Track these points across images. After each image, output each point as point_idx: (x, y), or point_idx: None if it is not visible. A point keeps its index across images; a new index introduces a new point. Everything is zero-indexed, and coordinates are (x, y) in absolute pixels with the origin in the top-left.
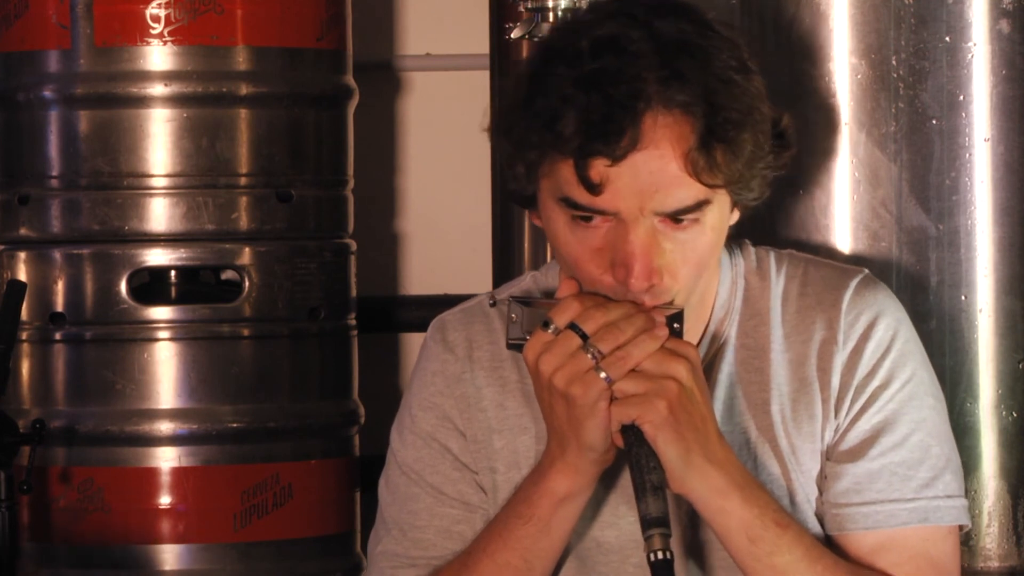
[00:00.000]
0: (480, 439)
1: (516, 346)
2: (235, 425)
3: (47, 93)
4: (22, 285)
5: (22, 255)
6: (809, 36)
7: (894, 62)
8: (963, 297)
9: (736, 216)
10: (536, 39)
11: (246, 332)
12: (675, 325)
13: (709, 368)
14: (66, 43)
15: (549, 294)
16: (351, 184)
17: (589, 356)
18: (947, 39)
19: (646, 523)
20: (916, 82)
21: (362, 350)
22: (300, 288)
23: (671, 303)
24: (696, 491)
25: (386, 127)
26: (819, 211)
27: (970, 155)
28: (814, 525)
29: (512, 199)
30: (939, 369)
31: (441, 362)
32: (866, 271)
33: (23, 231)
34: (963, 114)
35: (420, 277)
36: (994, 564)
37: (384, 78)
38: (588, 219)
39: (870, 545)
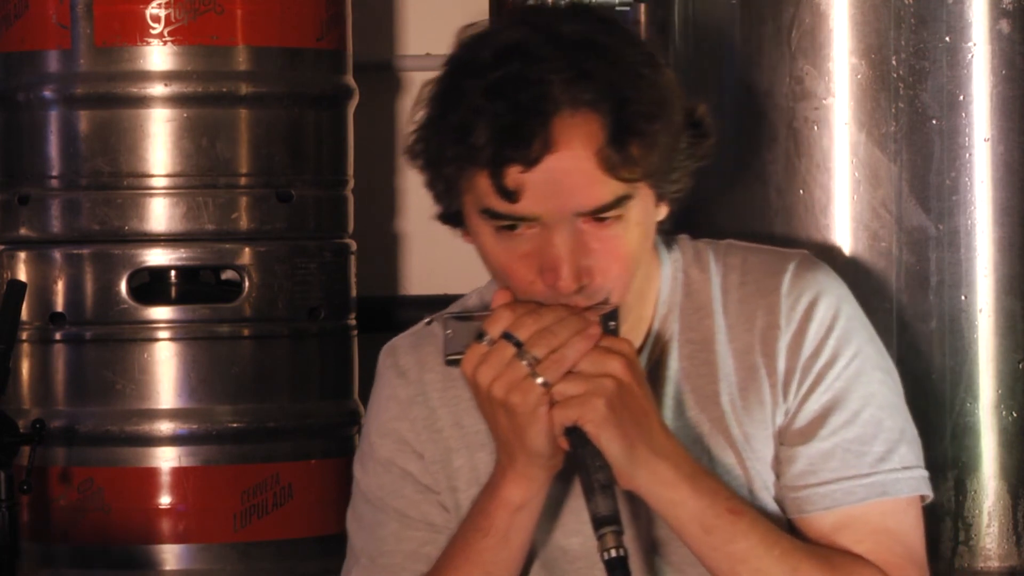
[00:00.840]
0: (439, 459)
1: (454, 362)
2: (235, 425)
3: (47, 93)
4: (22, 285)
5: (22, 255)
6: (809, 36)
7: (894, 62)
8: (963, 297)
9: (665, 210)
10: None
11: (246, 332)
12: (610, 323)
13: (656, 366)
14: (66, 43)
15: (486, 307)
16: (351, 184)
17: (524, 363)
18: (947, 39)
19: (597, 522)
20: (916, 82)
21: (362, 350)
22: (300, 288)
23: (606, 302)
24: (645, 485)
25: (386, 127)
26: (819, 211)
27: (970, 155)
28: (774, 510)
29: (441, 220)
30: (939, 369)
31: (394, 387)
32: (805, 252)
33: (23, 231)
34: (963, 114)
35: (420, 277)
36: (994, 564)
37: (384, 78)
38: (512, 228)
39: (830, 524)
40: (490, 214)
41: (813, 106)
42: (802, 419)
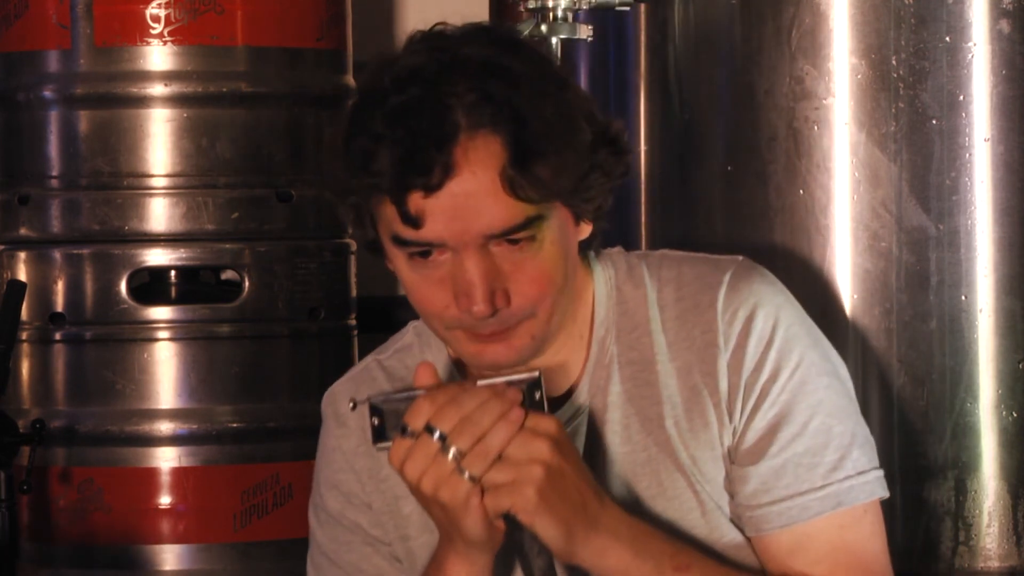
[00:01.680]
0: (387, 509)
1: (384, 450)
2: (235, 425)
3: (47, 93)
4: (22, 285)
5: (22, 255)
6: (809, 36)
7: (894, 62)
8: (963, 297)
9: (588, 228)
10: (536, 39)
11: (246, 332)
12: (535, 395)
13: (600, 391)
14: (66, 43)
15: (409, 388)
16: None
17: (450, 458)
18: (947, 39)
19: None
20: (916, 82)
21: (362, 350)
22: (300, 288)
23: (533, 370)
24: (587, 560)
25: None
26: (819, 211)
27: (970, 155)
28: (728, 531)
29: (364, 248)
30: (939, 369)
31: (336, 437)
32: (740, 259)
33: (23, 231)
34: (963, 114)
35: None
36: (994, 564)
37: None
38: (426, 254)
39: (787, 546)
40: (399, 241)
41: (813, 106)
42: (750, 438)
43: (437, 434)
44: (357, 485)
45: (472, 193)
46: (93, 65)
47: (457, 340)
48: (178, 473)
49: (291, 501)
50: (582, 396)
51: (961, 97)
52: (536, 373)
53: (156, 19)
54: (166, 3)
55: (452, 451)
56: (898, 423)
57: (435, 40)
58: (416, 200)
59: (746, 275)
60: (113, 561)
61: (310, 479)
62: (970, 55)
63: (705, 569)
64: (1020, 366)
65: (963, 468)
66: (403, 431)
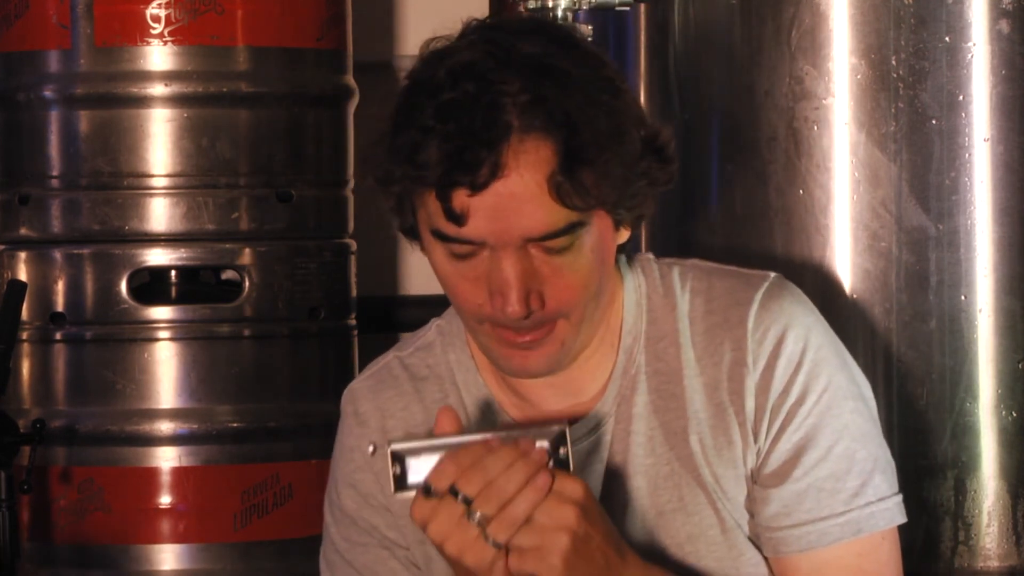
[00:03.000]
0: (404, 514)
1: (404, 500)
2: (235, 425)
3: (47, 93)
4: (22, 285)
5: (22, 255)
6: (809, 36)
7: (894, 62)
8: (963, 297)
9: (626, 234)
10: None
11: (246, 332)
12: (561, 450)
13: (625, 401)
14: (66, 43)
15: (430, 434)
16: (351, 184)
17: (475, 523)
18: (947, 39)
19: None
20: (916, 82)
21: (362, 350)
22: (300, 288)
23: (558, 423)
24: None
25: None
26: (819, 211)
27: (970, 155)
28: (746, 550)
29: (401, 232)
30: (939, 369)
31: (356, 437)
32: (772, 276)
33: (23, 231)
34: (963, 114)
35: (420, 277)
36: (994, 564)
37: (384, 78)
38: (463, 251)
39: (804, 570)
40: (439, 235)
41: (813, 106)
42: (774, 461)
43: (461, 497)
44: (375, 486)
45: (517, 195)
46: (93, 65)
47: (487, 337)
48: (178, 473)
49: (291, 501)
50: (607, 404)
51: (961, 97)
52: (563, 427)
53: (156, 19)
54: (166, 3)
55: (477, 516)
56: (898, 423)
57: (491, 33)
58: (461, 197)
59: (778, 293)
60: (113, 561)
61: (310, 479)
62: (970, 55)
63: None
64: (1020, 366)
65: (963, 468)
66: (427, 491)
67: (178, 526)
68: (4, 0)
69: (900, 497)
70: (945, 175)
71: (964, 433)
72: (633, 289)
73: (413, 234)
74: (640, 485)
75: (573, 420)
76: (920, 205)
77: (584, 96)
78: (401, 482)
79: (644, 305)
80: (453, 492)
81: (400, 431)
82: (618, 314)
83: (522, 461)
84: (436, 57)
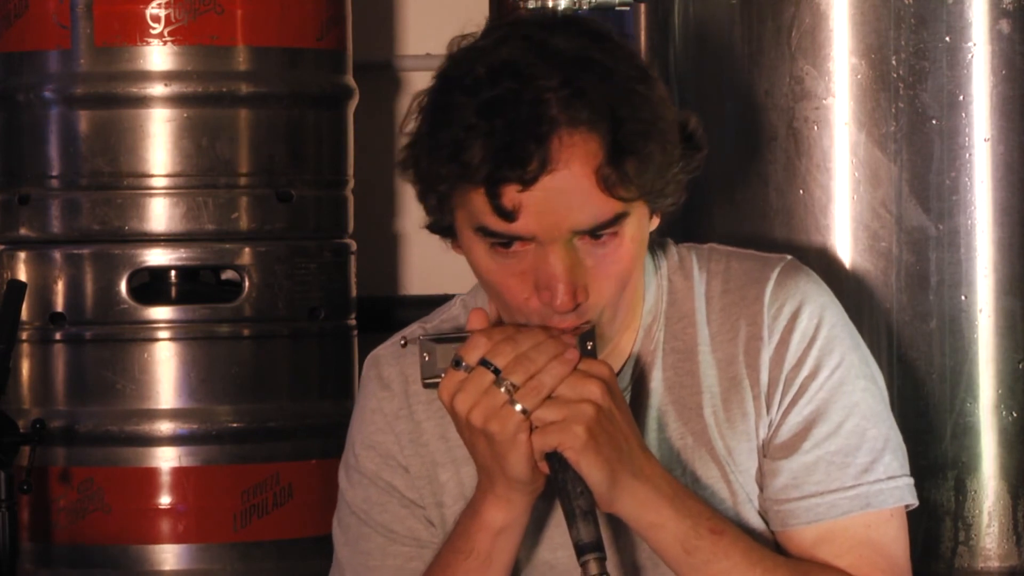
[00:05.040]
0: (424, 474)
1: (432, 385)
2: (235, 425)
3: (47, 93)
4: (22, 285)
5: (22, 255)
6: (809, 36)
7: (894, 62)
8: (963, 297)
9: (656, 222)
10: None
11: (246, 332)
12: (588, 344)
13: (642, 377)
14: (66, 43)
15: (461, 329)
16: (351, 184)
17: (503, 390)
18: (947, 39)
19: (579, 549)
20: (916, 82)
21: (362, 350)
22: (300, 288)
23: (587, 322)
24: (626, 510)
25: (386, 127)
26: (819, 211)
27: (970, 155)
28: (758, 524)
29: (432, 231)
30: (939, 369)
31: (378, 399)
32: (788, 258)
33: (23, 231)
34: (963, 114)
35: (420, 277)
36: (994, 564)
37: (384, 78)
38: (508, 245)
39: (812, 538)
40: (485, 232)
41: (813, 106)
42: (785, 432)
43: (493, 368)
44: (396, 447)
45: (566, 189)
46: (93, 65)
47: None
48: (178, 473)
49: (291, 501)
50: (624, 380)
51: (961, 97)
52: (590, 325)
53: (156, 19)
54: (166, 3)
55: (505, 384)
56: (898, 423)
57: (524, 29)
58: (510, 193)
59: (793, 273)
60: (113, 561)
61: (310, 479)
62: (970, 55)
63: (737, 536)
64: (1020, 366)
65: (963, 468)
66: (456, 364)
67: (178, 526)
68: (4, 0)
69: (911, 481)
70: (945, 175)
71: (964, 433)
72: (654, 271)
73: (448, 233)
74: None
75: None
76: (920, 205)
77: (623, 87)
78: (429, 369)
79: (665, 287)
80: (484, 364)
81: (423, 395)
82: (640, 294)
83: (551, 340)
84: (470, 55)
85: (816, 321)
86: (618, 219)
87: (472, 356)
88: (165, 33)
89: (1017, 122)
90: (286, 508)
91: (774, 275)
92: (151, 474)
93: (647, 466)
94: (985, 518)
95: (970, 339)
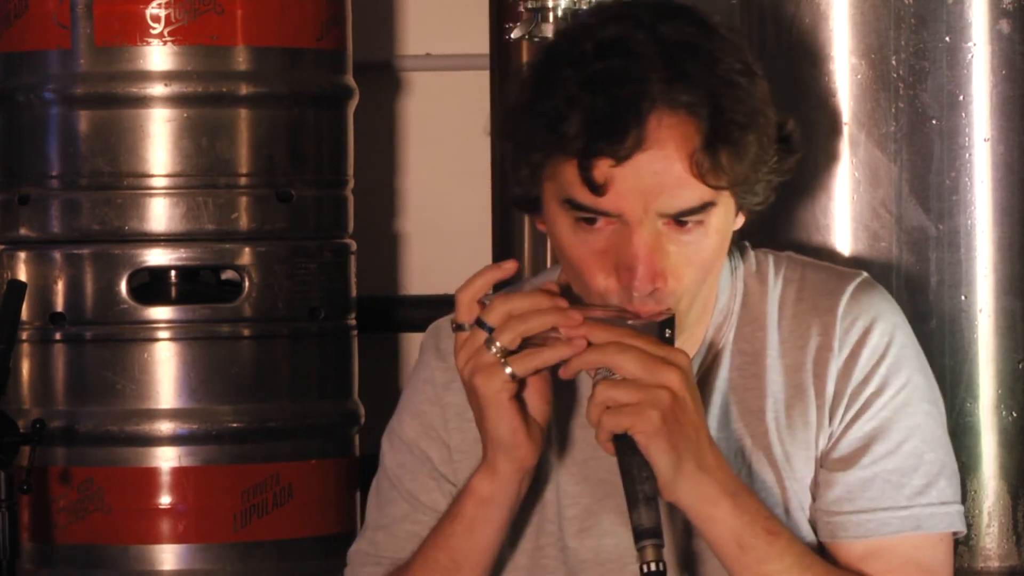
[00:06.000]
0: (465, 449)
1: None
2: (235, 425)
3: (47, 93)
4: (22, 285)
5: (22, 255)
6: (809, 36)
7: (894, 62)
8: (963, 297)
9: (741, 221)
10: (536, 39)
11: (246, 332)
12: (667, 332)
13: (707, 374)
14: (66, 43)
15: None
16: (351, 184)
17: (492, 350)
18: (947, 39)
19: (639, 534)
20: (916, 82)
21: (362, 350)
22: (300, 288)
23: (668, 309)
24: (687, 499)
25: (386, 127)
26: (819, 211)
27: (970, 155)
28: (808, 533)
29: (516, 204)
30: (939, 369)
31: (432, 369)
32: (864, 274)
33: (23, 231)
34: (963, 114)
35: (420, 277)
36: (994, 564)
37: (384, 78)
38: (592, 221)
39: (861, 552)
40: (573, 205)
41: (813, 106)
42: (845, 446)
43: (487, 328)
44: (440, 420)
45: (658, 170)
46: (93, 65)
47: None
48: (178, 473)
49: (291, 501)
50: None
51: (961, 97)
52: (671, 312)
53: (156, 19)
54: (166, 3)
55: (495, 344)
56: None
57: (635, 10)
58: (603, 167)
59: (869, 289)
60: (113, 561)
61: (310, 479)
62: (970, 55)
63: (792, 541)
64: (1020, 366)
65: (963, 468)
66: (458, 327)
67: (178, 526)
68: (4, 0)
69: (962, 508)
70: (945, 175)
71: (964, 433)
72: (730, 271)
73: (533, 207)
74: None
75: None
76: (920, 205)
77: (726, 77)
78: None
79: (740, 288)
80: (479, 324)
81: None
82: (715, 291)
83: (546, 297)
84: (579, 31)
85: (887, 339)
86: (705, 207)
87: (466, 316)
88: (165, 33)
89: (1017, 122)
90: (286, 508)
91: (850, 288)
92: (151, 474)
93: (712, 460)
94: (985, 518)
95: (970, 339)
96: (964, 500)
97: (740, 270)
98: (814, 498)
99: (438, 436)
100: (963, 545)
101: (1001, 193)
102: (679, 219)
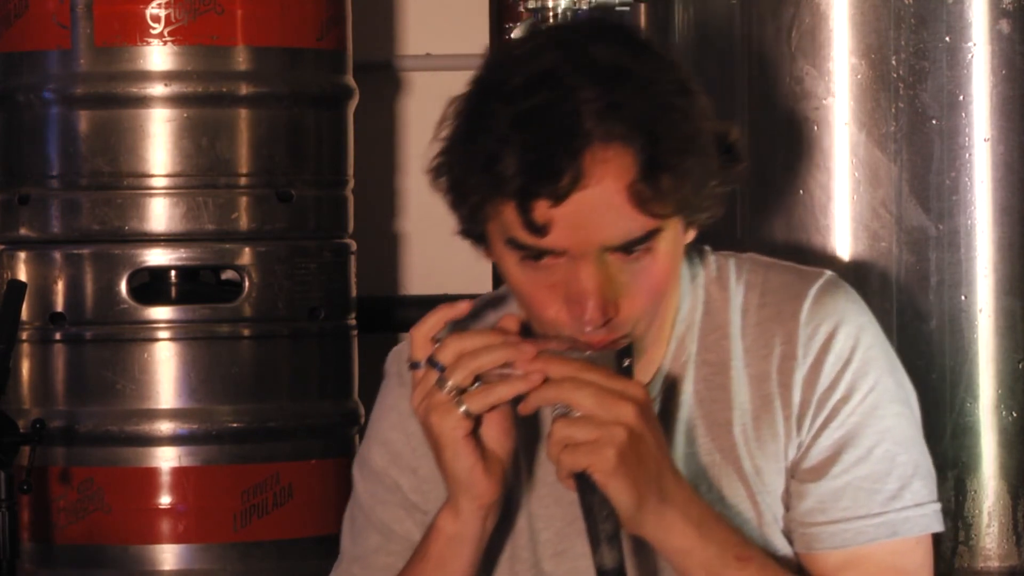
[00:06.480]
0: (432, 479)
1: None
2: (235, 425)
3: (47, 93)
4: (22, 285)
5: (22, 255)
6: (809, 36)
7: (894, 62)
8: (963, 297)
9: (692, 235)
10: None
11: (246, 332)
12: (625, 362)
13: (671, 389)
14: (66, 43)
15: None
16: (351, 184)
17: (445, 390)
18: (947, 39)
19: (601, 574)
20: (916, 82)
21: (362, 350)
22: (300, 288)
23: (624, 337)
24: (652, 534)
25: (386, 127)
26: (819, 211)
27: (970, 155)
28: (783, 545)
29: (464, 237)
30: (939, 369)
31: (396, 396)
32: (828, 274)
33: (23, 231)
34: (963, 114)
35: (420, 277)
36: (994, 564)
37: (384, 78)
38: (538, 258)
39: (836, 563)
40: (516, 244)
41: (813, 106)
42: (815, 455)
43: (439, 367)
44: (407, 447)
45: (598, 205)
46: (93, 65)
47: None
48: (178, 473)
49: (291, 501)
50: (654, 391)
51: (961, 97)
52: (628, 340)
53: (156, 19)
54: (166, 3)
55: (448, 384)
56: None
57: (563, 35)
58: (542, 208)
59: (832, 290)
60: (113, 561)
61: (310, 479)
62: (970, 55)
63: (764, 564)
64: (1020, 366)
65: (963, 468)
66: (413, 365)
67: (178, 526)
68: (4, 0)
69: (939, 506)
70: (945, 175)
71: (964, 433)
72: (690, 280)
73: (480, 241)
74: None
75: None
76: (920, 205)
77: (661, 101)
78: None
79: (701, 296)
80: (431, 363)
81: None
82: (674, 304)
83: (499, 336)
84: (507, 63)
85: (852, 343)
86: (651, 235)
87: (421, 354)
88: (165, 33)
89: (1017, 122)
90: (286, 508)
91: (812, 291)
92: (151, 474)
93: (676, 490)
94: (985, 518)
95: (970, 339)
96: (964, 500)
97: (700, 277)
98: (787, 509)
99: (407, 464)
100: (963, 545)
101: (1001, 193)
102: (626, 250)
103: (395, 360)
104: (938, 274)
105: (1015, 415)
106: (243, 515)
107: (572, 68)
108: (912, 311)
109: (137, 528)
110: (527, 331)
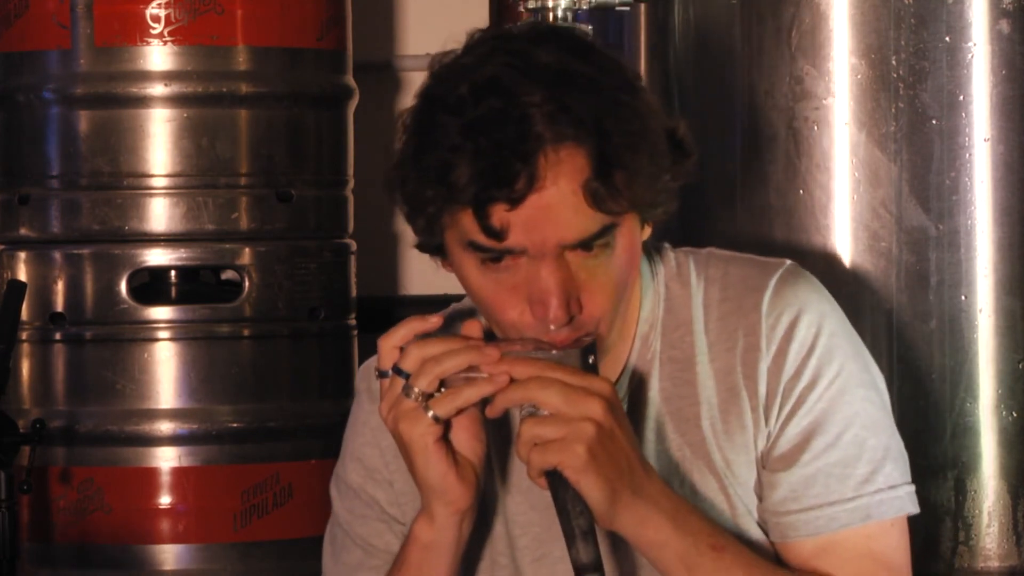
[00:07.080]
0: (408, 491)
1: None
2: (235, 425)
3: (47, 93)
4: (22, 285)
5: (22, 255)
6: (809, 36)
7: (894, 62)
8: (963, 297)
9: (648, 231)
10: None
11: (246, 332)
12: (590, 359)
13: (638, 387)
14: (66, 43)
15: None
16: (351, 184)
17: (411, 397)
18: (947, 39)
19: (578, 570)
20: (916, 82)
21: (362, 350)
22: (300, 288)
23: (588, 334)
24: (626, 528)
25: (386, 127)
26: (819, 211)
27: (970, 155)
28: (758, 535)
29: (422, 250)
30: (939, 369)
31: (367, 412)
32: (788, 263)
33: (23, 231)
34: (963, 114)
35: (420, 277)
36: (994, 564)
37: (384, 78)
38: (498, 260)
39: (812, 549)
40: (476, 247)
41: (813, 106)
42: (783, 444)
43: (404, 375)
44: (380, 461)
45: (553, 205)
46: (93, 65)
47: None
48: (178, 473)
49: (291, 501)
50: (621, 390)
51: (961, 97)
52: (592, 338)
53: (156, 19)
54: (166, 3)
55: (413, 390)
56: (898, 423)
57: (505, 43)
58: (499, 212)
59: (792, 280)
60: (113, 561)
61: (310, 479)
62: (970, 55)
63: (739, 552)
64: (1020, 366)
65: (963, 468)
66: (381, 375)
67: (178, 526)
68: (4, 0)
69: (912, 488)
70: (945, 175)
71: (964, 433)
72: (651, 278)
73: (438, 252)
74: None
75: None
76: (920, 205)
77: (608, 100)
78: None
79: (662, 293)
80: (396, 371)
81: None
82: (636, 302)
83: (461, 341)
84: (452, 73)
85: (815, 330)
86: (607, 230)
87: (387, 363)
88: (165, 33)
89: (1017, 122)
90: (286, 508)
91: (772, 282)
92: (151, 474)
93: (648, 483)
94: (985, 518)
95: (970, 339)
96: (964, 500)
97: (661, 275)
98: (760, 499)
99: (382, 478)
100: (963, 545)
101: (1001, 193)
102: (584, 246)
103: (365, 376)
104: (938, 274)
105: (1015, 415)
106: (243, 515)
107: (518, 74)
108: (912, 311)
109: (137, 528)
110: (490, 337)
